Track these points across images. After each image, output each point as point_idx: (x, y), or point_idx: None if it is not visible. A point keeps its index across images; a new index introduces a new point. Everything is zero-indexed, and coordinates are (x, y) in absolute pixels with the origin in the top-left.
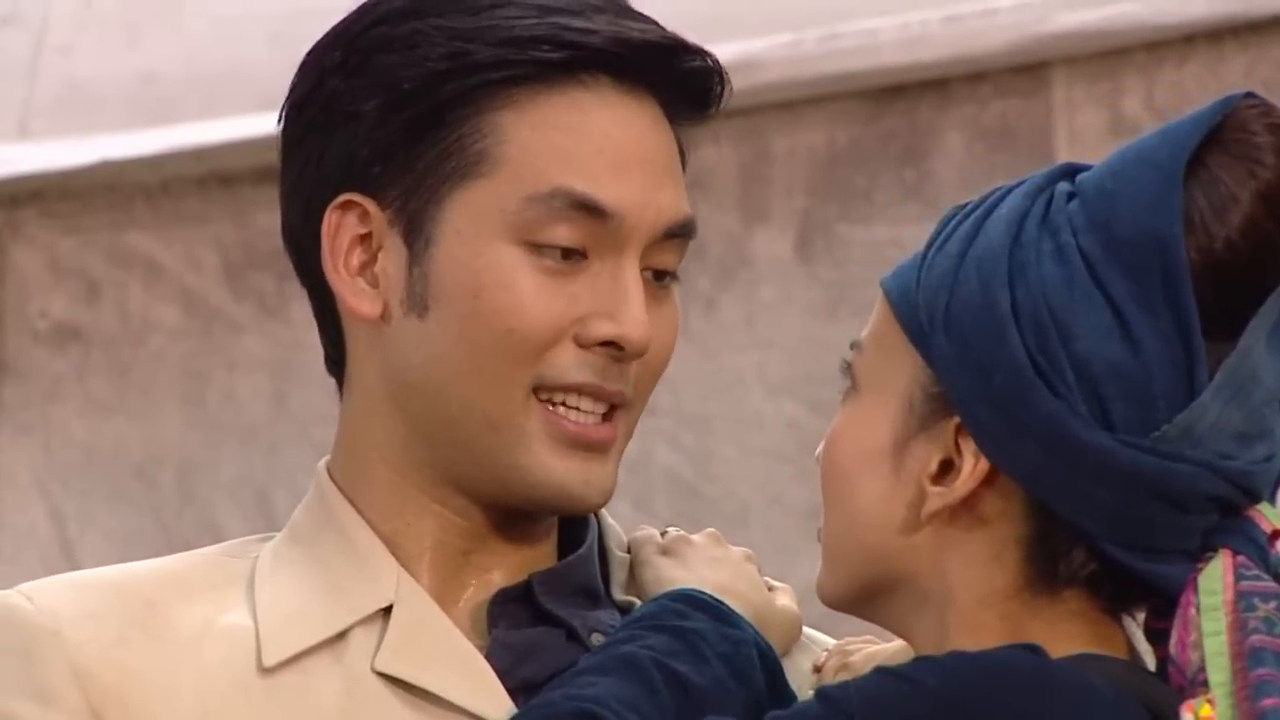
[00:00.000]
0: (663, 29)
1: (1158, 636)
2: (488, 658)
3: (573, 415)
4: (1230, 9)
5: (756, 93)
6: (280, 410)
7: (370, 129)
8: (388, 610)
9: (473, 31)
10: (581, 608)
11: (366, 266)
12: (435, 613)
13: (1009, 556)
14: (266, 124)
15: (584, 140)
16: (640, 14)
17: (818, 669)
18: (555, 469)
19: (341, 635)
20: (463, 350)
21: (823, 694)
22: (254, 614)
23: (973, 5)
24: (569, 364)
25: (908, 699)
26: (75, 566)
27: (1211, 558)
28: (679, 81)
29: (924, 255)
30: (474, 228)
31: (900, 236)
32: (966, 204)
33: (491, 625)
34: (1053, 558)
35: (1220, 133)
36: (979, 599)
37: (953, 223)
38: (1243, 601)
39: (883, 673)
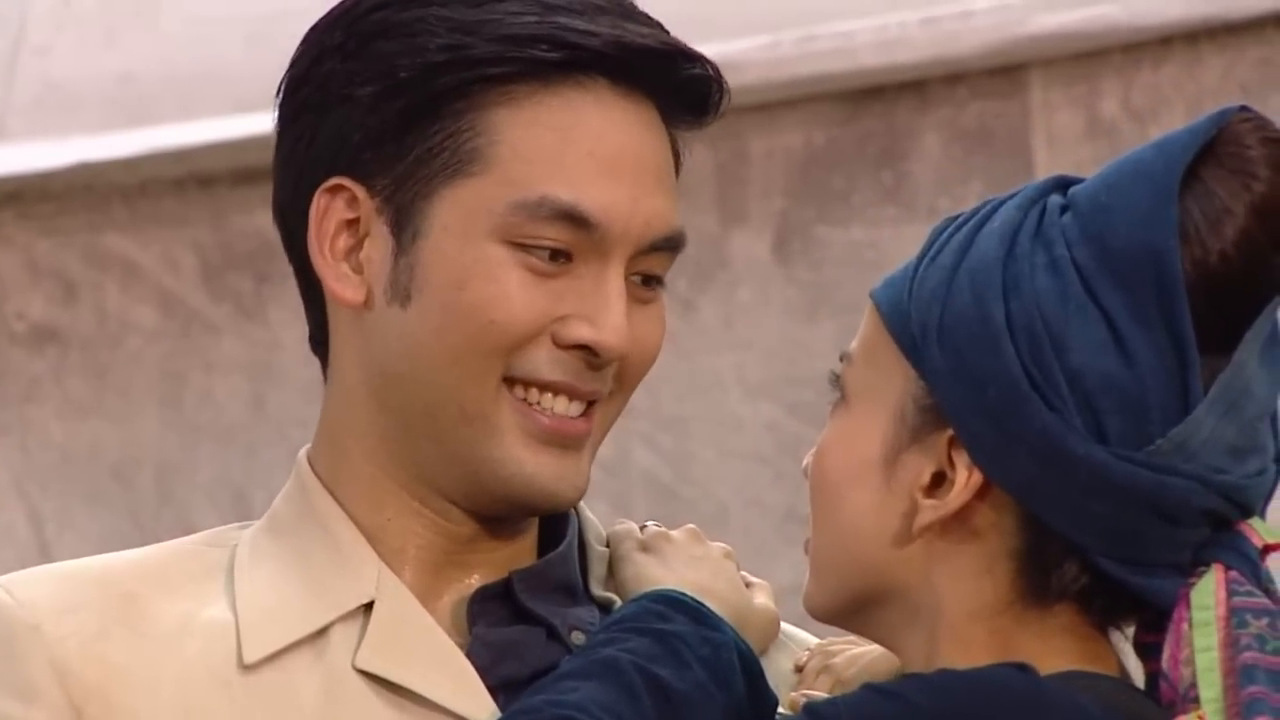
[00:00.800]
0: (664, 34)
1: (1148, 650)
2: (468, 655)
3: (548, 411)
4: (1207, 11)
5: (734, 94)
6: (258, 412)
7: (364, 114)
8: (369, 607)
9: (473, 24)
10: (561, 605)
11: (352, 252)
12: (416, 610)
13: (1000, 570)
14: (244, 125)
15: (575, 142)
16: (645, 16)
17: (799, 669)
18: (526, 463)
19: (322, 632)
20: (442, 341)
21: (811, 710)
22: (234, 608)
23: (950, 7)
24: (543, 361)
25: (898, 717)
26: None
27: (1204, 572)
28: (677, 88)
29: (915, 267)
30: (462, 225)
31: (878, 238)
32: (958, 216)
33: (472, 623)
34: (1044, 571)
35: (1215, 146)
36: (969, 613)
37: (944, 235)
38: (1235, 618)
39: (872, 690)
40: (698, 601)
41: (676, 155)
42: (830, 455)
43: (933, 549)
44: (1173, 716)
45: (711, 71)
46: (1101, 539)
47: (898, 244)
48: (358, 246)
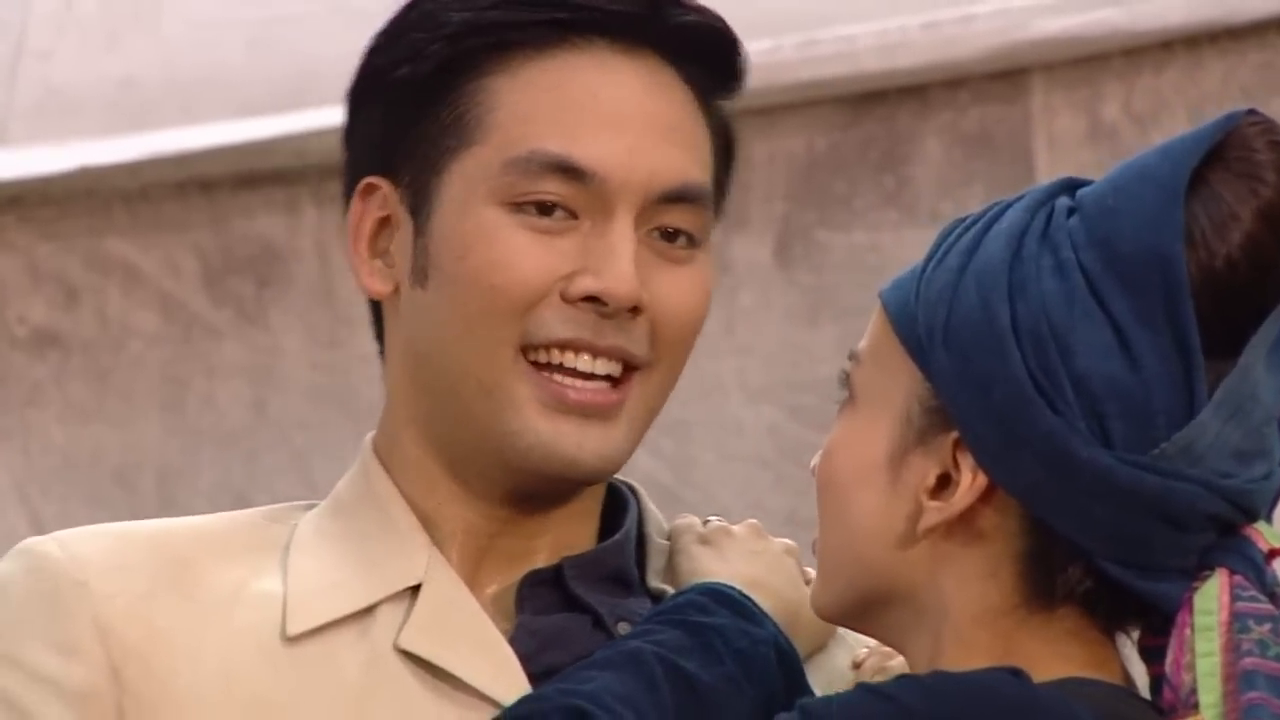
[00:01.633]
0: None
1: (1152, 653)
2: (512, 642)
3: (573, 382)
4: (1208, 15)
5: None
6: (259, 416)
7: (388, 107)
8: (417, 589)
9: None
10: (612, 595)
11: (387, 246)
12: (463, 594)
13: (1005, 572)
14: (246, 130)
15: (567, 98)
16: None
17: (856, 665)
18: (544, 432)
19: (369, 610)
20: (455, 314)
21: (804, 708)
22: (285, 581)
23: (951, 12)
24: (554, 320)
25: (890, 718)
26: None
27: (1208, 576)
28: (679, 40)
29: (922, 269)
30: (464, 194)
31: (879, 242)
32: (965, 218)
33: (519, 608)
34: (1049, 574)
35: (1222, 150)
36: (974, 615)
37: (951, 237)
38: (1237, 623)
39: (866, 690)
40: (744, 595)
41: (723, 129)
42: (837, 456)
43: (938, 551)
44: None
45: (711, 19)
46: (1106, 543)
47: (899, 248)
48: (390, 240)
